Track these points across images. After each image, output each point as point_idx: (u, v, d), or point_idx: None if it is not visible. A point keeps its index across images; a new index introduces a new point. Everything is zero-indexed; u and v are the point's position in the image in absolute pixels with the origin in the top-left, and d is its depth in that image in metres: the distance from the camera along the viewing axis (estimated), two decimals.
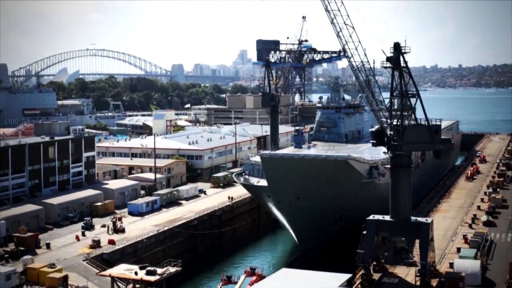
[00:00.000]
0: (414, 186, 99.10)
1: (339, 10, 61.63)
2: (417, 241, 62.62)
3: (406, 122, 61.13)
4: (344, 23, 61.89)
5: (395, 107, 61.89)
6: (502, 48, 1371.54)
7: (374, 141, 63.75)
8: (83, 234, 78.35)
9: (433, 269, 61.11)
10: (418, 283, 58.07)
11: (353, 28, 62.37)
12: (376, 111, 62.65)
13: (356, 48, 61.97)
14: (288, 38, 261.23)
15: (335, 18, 61.92)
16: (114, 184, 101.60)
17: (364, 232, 61.82)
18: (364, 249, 60.49)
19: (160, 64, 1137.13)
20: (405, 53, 61.06)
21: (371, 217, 62.78)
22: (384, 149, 65.91)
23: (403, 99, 60.74)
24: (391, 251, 69.55)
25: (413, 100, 61.87)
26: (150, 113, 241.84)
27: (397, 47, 60.67)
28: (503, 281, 58.76)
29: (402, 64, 61.12)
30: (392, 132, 61.35)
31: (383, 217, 62.81)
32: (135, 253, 74.46)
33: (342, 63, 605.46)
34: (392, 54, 60.95)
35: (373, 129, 64.80)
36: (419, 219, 63.66)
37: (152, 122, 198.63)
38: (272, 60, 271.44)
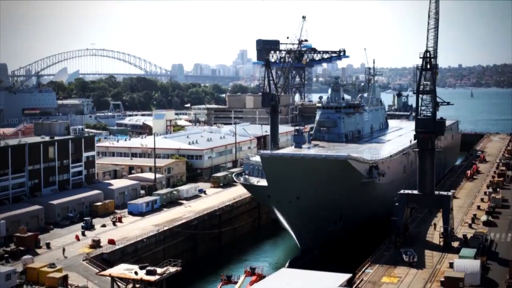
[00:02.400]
0: (414, 186, 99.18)
1: None
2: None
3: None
4: None
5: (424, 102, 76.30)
6: (502, 48, 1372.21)
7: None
8: (83, 234, 78.41)
9: (452, 234, 74.65)
10: (441, 243, 71.94)
11: None
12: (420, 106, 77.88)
13: None
14: (288, 38, 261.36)
15: None
16: (114, 184, 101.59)
17: (396, 204, 74.91)
18: (397, 217, 74.34)
19: (160, 64, 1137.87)
20: (433, 58, 75.67)
21: (401, 191, 76.48)
22: None
23: (434, 95, 75.73)
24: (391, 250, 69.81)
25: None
26: (150, 113, 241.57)
27: (427, 53, 75.51)
28: (503, 281, 58.78)
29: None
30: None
31: (412, 192, 76.70)
32: (135, 253, 74.47)
33: (342, 63, 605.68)
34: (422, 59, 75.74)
35: (420, 117, 77.18)
36: (442, 192, 78.46)
37: (152, 122, 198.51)
38: (272, 60, 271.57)
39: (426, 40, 76.44)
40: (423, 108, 75.97)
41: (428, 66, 75.48)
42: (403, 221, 75.04)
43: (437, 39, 76.87)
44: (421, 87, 75.56)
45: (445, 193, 78.11)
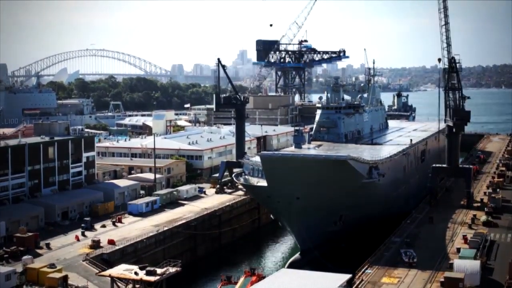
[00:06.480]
0: (414, 186, 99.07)
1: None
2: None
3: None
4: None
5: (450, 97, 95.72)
6: (502, 48, 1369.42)
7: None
8: (83, 234, 78.41)
9: (472, 197, 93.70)
10: (465, 203, 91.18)
11: None
12: (449, 100, 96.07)
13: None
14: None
15: None
16: (114, 184, 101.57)
17: (430, 175, 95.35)
18: (432, 184, 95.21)
19: (160, 64, 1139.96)
20: (458, 63, 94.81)
21: (434, 165, 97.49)
22: None
23: (460, 92, 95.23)
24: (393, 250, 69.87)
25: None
26: (150, 113, 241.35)
27: (453, 59, 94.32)
28: (503, 281, 58.78)
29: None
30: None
31: (442, 165, 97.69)
32: (135, 253, 74.47)
33: (342, 64, 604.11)
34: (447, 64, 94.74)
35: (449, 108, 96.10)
36: (465, 166, 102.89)
37: (152, 122, 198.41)
38: (272, 60, 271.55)
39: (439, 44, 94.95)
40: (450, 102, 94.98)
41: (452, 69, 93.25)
42: (435, 187, 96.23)
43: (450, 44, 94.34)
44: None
45: (467, 166, 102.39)
